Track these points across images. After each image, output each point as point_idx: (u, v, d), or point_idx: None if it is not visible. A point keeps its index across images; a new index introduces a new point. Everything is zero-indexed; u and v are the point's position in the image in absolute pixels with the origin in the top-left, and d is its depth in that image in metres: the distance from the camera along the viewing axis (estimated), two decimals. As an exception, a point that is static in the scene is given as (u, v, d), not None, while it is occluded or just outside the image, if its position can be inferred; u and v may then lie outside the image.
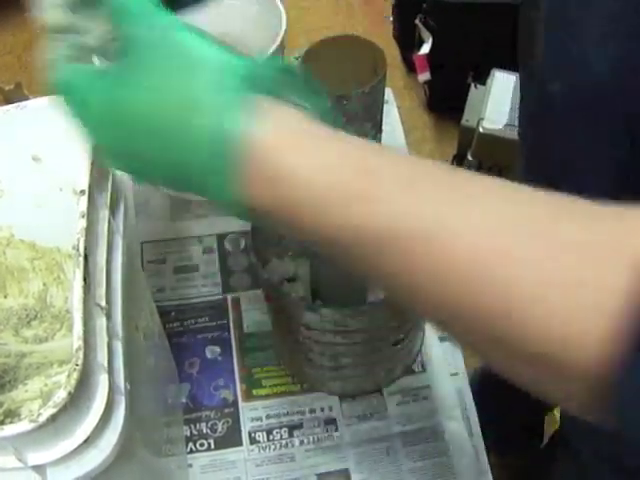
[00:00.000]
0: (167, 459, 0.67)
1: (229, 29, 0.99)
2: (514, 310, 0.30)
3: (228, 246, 0.93)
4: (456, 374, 0.80)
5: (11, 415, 0.66)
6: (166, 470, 0.66)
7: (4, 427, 0.37)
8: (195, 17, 1.02)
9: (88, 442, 0.41)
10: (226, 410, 0.78)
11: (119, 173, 0.55)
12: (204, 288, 0.89)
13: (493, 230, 0.31)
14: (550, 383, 0.33)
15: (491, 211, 0.32)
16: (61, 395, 0.38)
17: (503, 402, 1.02)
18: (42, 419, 0.37)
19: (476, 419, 0.77)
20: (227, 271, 0.91)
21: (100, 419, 0.41)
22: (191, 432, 0.76)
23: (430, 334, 0.83)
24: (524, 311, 0.30)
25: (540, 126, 0.71)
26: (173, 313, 0.86)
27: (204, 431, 0.76)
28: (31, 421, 0.37)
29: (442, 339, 0.83)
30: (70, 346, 0.41)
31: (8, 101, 2.10)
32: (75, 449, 0.41)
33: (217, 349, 0.83)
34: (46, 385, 0.67)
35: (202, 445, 0.76)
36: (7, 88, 2.12)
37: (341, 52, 0.49)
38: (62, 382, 0.39)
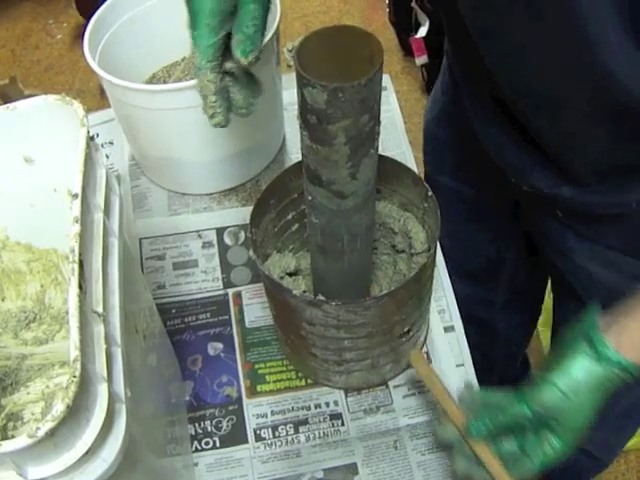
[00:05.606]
0: (172, 459, 0.66)
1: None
2: None
3: (227, 240, 0.92)
4: (461, 365, 0.79)
5: (14, 418, 0.65)
6: (172, 470, 0.65)
7: (2, 443, 0.36)
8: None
9: (90, 453, 0.40)
10: (230, 407, 0.77)
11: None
12: (204, 283, 0.88)
13: None
14: None
15: None
16: (59, 408, 0.37)
17: None
18: (40, 433, 0.36)
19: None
20: (227, 265, 0.89)
21: (101, 429, 0.40)
22: (196, 431, 0.76)
23: (435, 326, 0.82)
24: None
25: None
26: (174, 310, 0.85)
27: (209, 429, 0.76)
28: (30, 436, 0.36)
29: (447, 330, 0.82)
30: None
31: (3, 95, 2.09)
32: (77, 461, 0.40)
33: (219, 345, 0.82)
34: (48, 387, 0.66)
35: (207, 444, 0.75)
36: (2, 82, 2.10)
37: (336, 43, 0.48)
38: (62, 387, 0.39)
